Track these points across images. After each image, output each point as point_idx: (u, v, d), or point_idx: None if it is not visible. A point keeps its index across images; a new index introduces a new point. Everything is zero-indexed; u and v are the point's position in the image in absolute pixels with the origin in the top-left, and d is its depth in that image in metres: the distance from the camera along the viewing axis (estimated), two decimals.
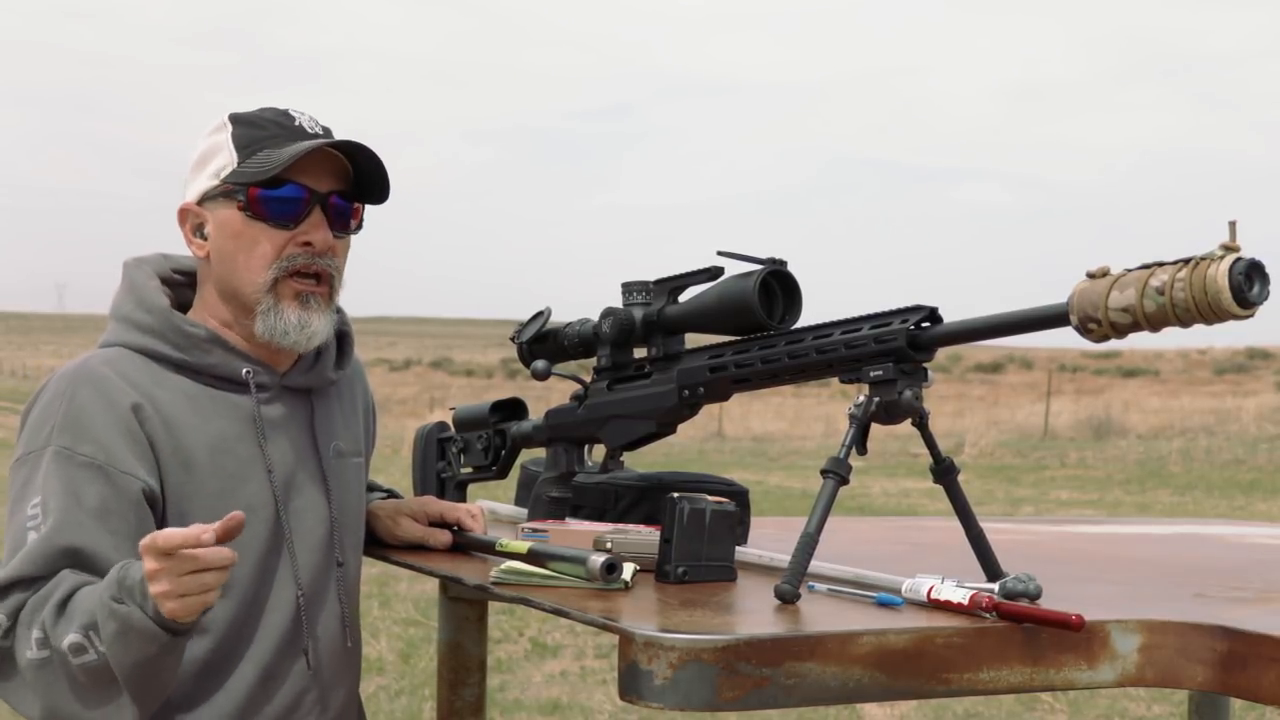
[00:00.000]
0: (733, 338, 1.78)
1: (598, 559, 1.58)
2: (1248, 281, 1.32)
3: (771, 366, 1.70)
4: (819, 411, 27.14)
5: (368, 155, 1.82)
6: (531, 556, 1.68)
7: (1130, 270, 1.39)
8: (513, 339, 2.04)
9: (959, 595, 1.45)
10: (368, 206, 1.90)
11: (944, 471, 1.64)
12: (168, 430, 1.77)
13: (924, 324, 1.57)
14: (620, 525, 1.88)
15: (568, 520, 1.98)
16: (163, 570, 1.51)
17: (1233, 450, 18.46)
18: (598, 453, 2.00)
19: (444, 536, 1.97)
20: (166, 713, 1.77)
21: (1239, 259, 1.32)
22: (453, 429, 2.25)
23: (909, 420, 1.59)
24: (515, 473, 2.26)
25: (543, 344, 2.01)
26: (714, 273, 1.80)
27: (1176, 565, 2.12)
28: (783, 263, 1.73)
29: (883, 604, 1.50)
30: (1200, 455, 18.06)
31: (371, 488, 2.13)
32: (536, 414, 2.12)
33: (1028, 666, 1.41)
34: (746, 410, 26.77)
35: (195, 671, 1.78)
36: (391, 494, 2.17)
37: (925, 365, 1.58)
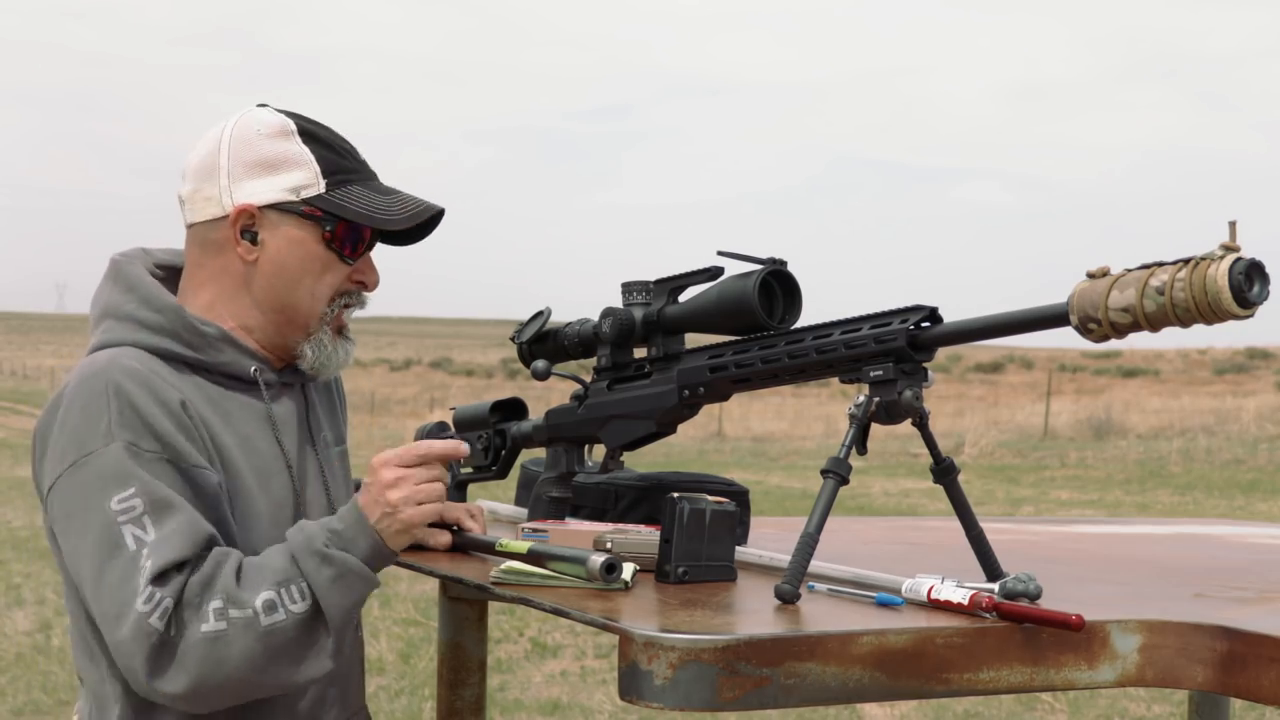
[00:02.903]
0: (733, 338, 1.77)
1: (598, 559, 1.58)
2: (1248, 281, 1.32)
3: (771, 366, 1.70)
4: (819, 411, 27.14)
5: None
6: (531, 556, 1.68)
7: (1130, 270, 1.39)
8: (513, 339, 2.04)
9: (959, 595, 1.45)
10: None
11: (944, 471, 1.64)
12: (207, 428, 1.74)
13: (924, 324, 1.57)
14: (620, 525, 1.88)
15: (568, 520, 1.98)
16: (405, 478, 1.66)
17: (1233, 450, 18.45)
18: (598, 453, 1.99)
19: (444, 536, 1.97)
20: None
21: (1239, 259, 1.32)
22: (453, 429, 2.25)
23: (909, 420, 1.59)
24: (515, 473, 2.26)
25: (543, 344, 2.01)
26: (714, 273, 1.80)
27: (1176, 565, 2.12)
28: (783, 263, 1.73)
29: (883, 604, 1.50)
30: (1200, 455, 18.05)
31: None
32: (536, 414, 2.12)
33: (1028, 666, 1.40)
34: (746, 410, 26.77)
35: None
36: None
37: (925, 365, 1.58)
